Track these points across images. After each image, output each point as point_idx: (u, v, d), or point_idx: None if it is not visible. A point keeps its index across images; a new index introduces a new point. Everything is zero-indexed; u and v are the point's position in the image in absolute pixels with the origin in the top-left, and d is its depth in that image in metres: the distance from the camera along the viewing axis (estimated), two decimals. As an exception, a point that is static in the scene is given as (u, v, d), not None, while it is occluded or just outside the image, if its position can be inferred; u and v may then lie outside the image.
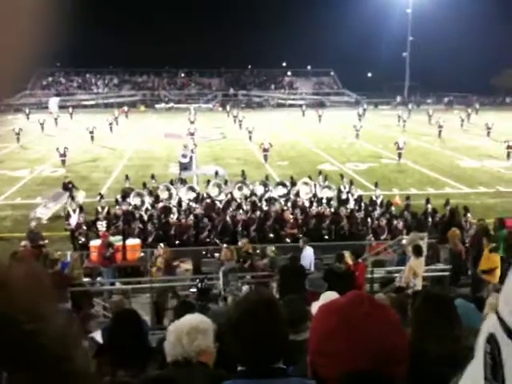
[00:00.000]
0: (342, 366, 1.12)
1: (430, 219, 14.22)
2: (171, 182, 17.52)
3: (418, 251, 9.26)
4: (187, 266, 12.61)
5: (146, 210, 14.86)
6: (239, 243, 11.83)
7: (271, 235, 13.80)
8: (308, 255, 10.65)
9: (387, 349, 1.13)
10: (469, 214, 13.76)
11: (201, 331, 2.53)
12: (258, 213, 14.39)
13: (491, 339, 0.71)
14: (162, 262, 10.75)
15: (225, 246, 11.49)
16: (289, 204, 15.47)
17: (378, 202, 15.88)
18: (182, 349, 2.46)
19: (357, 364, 1.10)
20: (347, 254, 8.85)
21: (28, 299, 0.71)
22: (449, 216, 13.33)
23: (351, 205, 15.64)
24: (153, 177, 19.11)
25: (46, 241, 13.43)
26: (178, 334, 2.50)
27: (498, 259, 9.03)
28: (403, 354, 1.16)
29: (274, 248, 11.25)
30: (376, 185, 17.20)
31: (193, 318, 2.66)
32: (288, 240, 13.51)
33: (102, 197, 15.81)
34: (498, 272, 8.74)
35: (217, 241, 13.24)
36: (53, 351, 0.69)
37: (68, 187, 18.35)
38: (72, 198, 17.33)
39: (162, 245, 11.31)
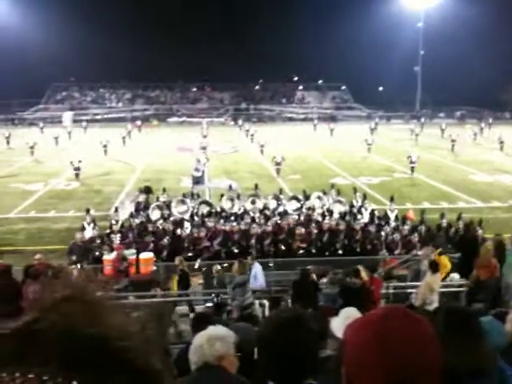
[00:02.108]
0: (377, 378, 1.14)
1: (442, 233, 14.09)
2: (184, 196, 17.58)
3: (434, 267, 9.16)
4: (199, 280, 12.58)
5: (161, 223, 14.88)
6: (176, 260, 11.81)
7: (283, 247, 13.78)
8: (259, 273, 10.68)
9: (421, 362, 1.14)
10: (479, 229, 13.62)
11: (219, 338, 2.74)
12: (270, 227, 14.36)
13: None
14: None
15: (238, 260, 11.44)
16: (301, 218, 15.44)
17: (393, 216, 15.79)
18: (202, 354, 2.66)
19: (391, 376, 1.13)
20: (362, 269, 8.77)
21: (114, 316, 0.72)
22: (464, 230, 13.19)
23: (365, 219, 15.57)
24: (164, 190, 19.17)
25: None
26: (199, 341, 2.73)
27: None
28: (436, 368, 1.18)
29: (219, 267, 11.33)
30: (392, 199, 17.09)
31: (213, 328, 2.92)
32: (301, 251, 13.48)
33: (116, 210, 15.89)
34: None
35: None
36: (138, 365, 0.69)
37: (144, 191, 18.59)
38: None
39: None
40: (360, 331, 1.23)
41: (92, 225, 14.66)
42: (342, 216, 15.53)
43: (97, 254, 13.47)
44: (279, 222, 14.72)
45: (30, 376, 0.62)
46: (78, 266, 12.51)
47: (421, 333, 1.19)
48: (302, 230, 14.02)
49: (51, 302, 0.72)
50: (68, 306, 0.70)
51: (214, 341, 2.70)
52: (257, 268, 10.83)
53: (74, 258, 12.94)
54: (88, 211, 15.73)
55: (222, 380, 2.58)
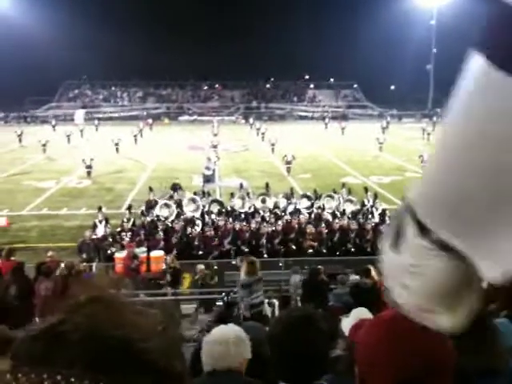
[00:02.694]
0: (389, 377, 1.17)
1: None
2: (194, 194, 17.63)
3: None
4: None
5: (172, 221, 14.92)
6: (168, 259, 11.96)
7: (293, 247, 13.77)
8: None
9: (433, 361, 1.18)
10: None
11: (244, 341, 2.60)
12: (280, 226, 14.33)
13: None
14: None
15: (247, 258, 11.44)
16: (312, 217, 15.41)
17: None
18: (226, 357, 2.48)
19: (403, 374, 1.15)
20: (373, 269, 8.73)
21: (136, 317, 0.73)
22: None
23: (376, 219, 15.50)
24: (175, 189, 19.22)
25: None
26: (222, 343, 2.52)
27: None
28: (448, 366, 1.21)
29: (203, 266, 11.41)
30: (403, 199, 16.97)
31: (233, 329, 2.70)
32: (311, 250, 13.47)
33: (130, 208, 15.97)
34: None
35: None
36: (162, 366, 0.70)
37: (176, 188, 18.89)
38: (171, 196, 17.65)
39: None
40: (372, 331, 1.26)
41: (104, 223, 14.74)
42: (354, 215, 15.48)
43: (108, 251, 13.57)
44: (289, 220, 14.68)
45: (58, 378, 0.63)
46: (93, 264, 12.64)
47: (432, 333, 1.20)
48: (312, 229, 13.99)
49: (75, 303, 0.73)
50: (92, 308, 0.71)
51: (241, 344, 2.55)
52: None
53: (83, 256, 13.04)
54: (100, 209, 15.83)
55: None
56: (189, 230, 14.28)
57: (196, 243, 13.76)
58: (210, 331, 2.75)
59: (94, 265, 12.55)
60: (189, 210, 15.90)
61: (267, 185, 19.16)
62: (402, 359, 1.16)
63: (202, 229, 14.22)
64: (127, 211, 15.62)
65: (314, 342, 1.67)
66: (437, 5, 72.11)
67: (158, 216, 15.32)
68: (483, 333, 2.56)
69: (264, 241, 13.76)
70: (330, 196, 16.89)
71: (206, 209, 16.21)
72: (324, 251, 13.55)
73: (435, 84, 76.91)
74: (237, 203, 16.54)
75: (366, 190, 18.70)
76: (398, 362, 1.16)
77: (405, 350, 1.16)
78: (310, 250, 13.46)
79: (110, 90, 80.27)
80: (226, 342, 2.52)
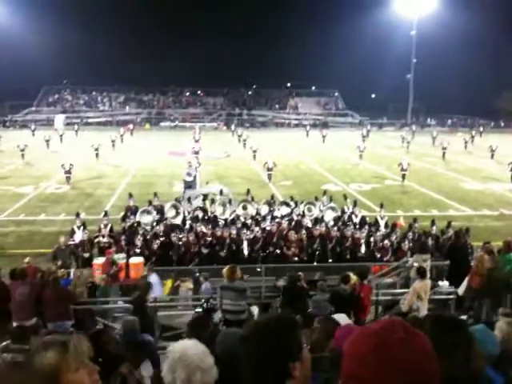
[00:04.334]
0: None
1: (431, 241, 14.07)
2: (176, 200, 17.51)
3: (421, 273, 9.20)
4: (189, 285, 12.51)
5: (153, 227, 14.79)
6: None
7: (277, 251, 13.74)
8: (156, 283, 10.57)
9: (419, 375, 1.14)
10: (467, 238, 13.67)
11: (203, 369, 2.27)
12: (261, 232, 14.29)
13: None
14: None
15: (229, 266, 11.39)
16: (292, 224, 15.40)
17: (383, 223, 15.81)
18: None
19: None
20: (352, 276, 8.78)
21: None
22: (454, 238, 13.17)
23: (355, 226, 15.56)
24: (155, 195, 19.08)
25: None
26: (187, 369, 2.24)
27: None
28: (435, 380, 1.17)
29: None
30: (381, 206, 17.15)
31: (196, 352, 2.32)
32: (296, 258, 13.46)
33: (106, 214, 15.80)
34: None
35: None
36: None
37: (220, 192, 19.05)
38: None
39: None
40: (359, 343, 1.21)
41: (82, 228, 14.56)
42: (335, 222, 15.53)
43: (86, 257, 13.42)
44: (269, 227, 14.65)
45: None
46: (70, 270, 12.47)
47: (420, 346, 1.19)
48: (293, 236, 13.97)
49: None
50: None
51: (196, 371, 2.23)
52: (153, 278, 10.78)
53: (58, 262, 12.84)
54: (78, 215, 15.64)
55: None
56: (171, 236, 14.15)
57: (177, 249, 13.65)
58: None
59: (72, 271, 12.38)
60: (170, 216, 15.79)
61: (248, 191, 19.17)
62: (389, 373, 1.12)
63: (182, 235, 14.10)
64: (104, 217, 15.43)
65: (291, 347, 1.64)
66: (417, 16, 73.17)
67: (138, 222, 15.17)
68: (457, 342, 2.58)
69: (245, 247, 13.72)
70: (311, 203, 16.93)
71: (189, 215, 16.09)
72: (305, 258, 13.55)
73: (415, 93, 77.97)
74: (218, 210, 16.48)
75: (345, 197, 18.82)
76: (384, 377, 1.13)
77: (392, 365, 1.13)
78: (296, 258, 13.45)
79: (91, 94, 79.63)
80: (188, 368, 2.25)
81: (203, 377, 2.23)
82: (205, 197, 18.09)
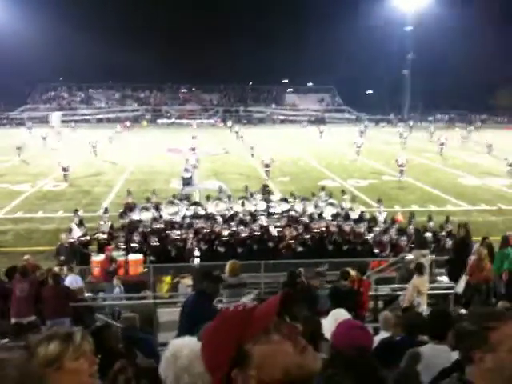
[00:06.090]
0: None
1: (430, 235, 14.06)
2: (174, 197, 17.49)
3: (420, 269, 9.21)
4: (188, 281, 12.50)
5: (151, 224, 14.77)
6: None
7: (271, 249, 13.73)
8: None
9: None
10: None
11: (191, 373, 2.12)
12: (259, 228, 14.29)
13: None
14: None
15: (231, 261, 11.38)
16: (291, 220, 15.39)
17: (382, 218, 15.82)
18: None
19: None
20: (352, 271, 8.78)
21: None
22: (464, 232, 12.75)
23: (353, 221, 15.56)
24: (154, 191, 19.09)
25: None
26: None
27: None
28: None
29: None
30: (379, 201, 17.13)
31: (187, 354, 2.17)
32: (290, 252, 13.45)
33: (106, 211, 15.78)
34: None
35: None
36: None
37: (265, 190, 19.29)
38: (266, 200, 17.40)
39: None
40: None
41: (80, 225, 14.53)
42: (334, 218, 15.52)
43: (85, 254, 13.40)
44: (266, 224, 14.64)
45: None
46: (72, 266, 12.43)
47: None
48: (292, 232, 13.98)
49: None
50: None
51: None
52: (69, 280, 10.20)
53: (61, 258, 12.84)
54: (76, 212, 15.61)
55: None
56: (168, 232, 14.15)
57: (174, 246, 13.64)
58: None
59: (73, 267, 12.35)
60: (168, 213, 15.76)
61: (246, 188, 19.18)
62: None
63: (180, 232, 14.09)
64: (104, 214, 15.41)
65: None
66: (414, 11, 73.15)
67: (137, 219, 15.15)
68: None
69: (242, 243, 13.71)
70: (307, 199, 16.96)
71: (187, 212, 16.07)
72: (303, 253, 13.54)
73: (412, 89, 78.01)
74: (215, 206, 16.46)
75: (343, 192, 18.84)
76: None
77: None
78: (290, 252, 13.43)
79: (87, 92, 79.46)
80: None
81: (191, 380, 2.08)
82: (207, 197, 17.92)
